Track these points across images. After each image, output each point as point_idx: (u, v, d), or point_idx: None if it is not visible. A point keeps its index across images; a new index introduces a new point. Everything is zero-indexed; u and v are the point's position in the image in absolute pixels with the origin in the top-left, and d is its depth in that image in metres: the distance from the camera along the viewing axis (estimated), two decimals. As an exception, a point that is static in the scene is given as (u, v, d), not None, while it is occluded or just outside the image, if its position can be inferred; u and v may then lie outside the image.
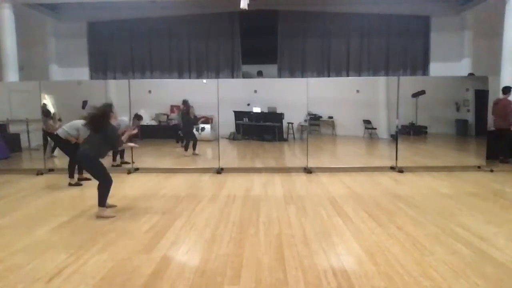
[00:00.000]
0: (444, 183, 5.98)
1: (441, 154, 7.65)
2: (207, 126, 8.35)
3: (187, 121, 7.76)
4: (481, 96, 7.47)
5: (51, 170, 7.36)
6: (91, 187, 5.99)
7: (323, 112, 7.85)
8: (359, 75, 11.19)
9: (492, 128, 7.79)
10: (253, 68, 12.43)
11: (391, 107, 7.41)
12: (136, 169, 7.37)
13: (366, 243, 3.36)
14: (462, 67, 10.73)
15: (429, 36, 11.10)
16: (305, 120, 7.54)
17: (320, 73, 11.37)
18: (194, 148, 7.89)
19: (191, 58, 11.62)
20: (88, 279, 2.71)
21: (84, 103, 6.83)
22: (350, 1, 10.61)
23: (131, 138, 5.64)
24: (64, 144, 6.08)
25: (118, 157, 7.52)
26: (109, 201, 5.02)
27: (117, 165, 7.43)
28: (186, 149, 7.86)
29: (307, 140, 7.43)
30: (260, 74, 11.77)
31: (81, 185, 6.10)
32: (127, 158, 7.52)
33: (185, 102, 8.03)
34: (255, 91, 7.88)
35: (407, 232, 3.64)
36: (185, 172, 7.06)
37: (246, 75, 12.06)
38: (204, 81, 10.17)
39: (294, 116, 7.86)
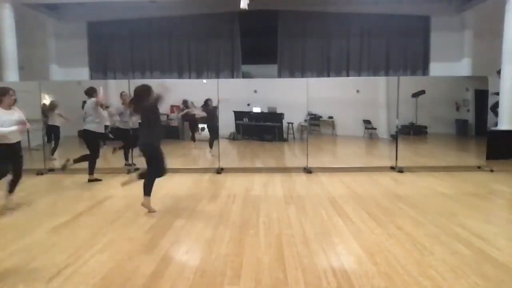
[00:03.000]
0: (444, 183, 5.98)
1: (441, 154, 7.66)
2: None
3: (212, 117, 7.70)
4: (481, 96, 7.48)
5: (51, 170, 7.36)
6: (91, 187, 6.00)
7: (323, 112, 7.85)
8: (359, 75, 11.19)
9: None
10: (253, 68, 12.43)
11: (391, 107, 7.42)
12: (136, 169, 7.36)
13: (366, 243, 3.36)
14: (462, 67, 10.73)
15: (429, 36, 11.10)
16: (305, 120, 7.54)
17: (320, 73, 11.37)
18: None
19: (191, 58, 11.61)
20: (88, 279, 2.71)
21: (84, 103, 6.82)
22: (350, 1, 10.60)
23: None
24: (92, 139, 6.18)
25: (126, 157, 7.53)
26: (107, 202, 5.04)
27: (128, 165, 7.42)
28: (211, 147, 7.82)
29: (307, 140, 7.43)
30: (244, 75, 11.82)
31: (100, 180, 6.32)
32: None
33: (185, 102, 8.04)
34: (255, 91, 7.88)
35: (407, 232, 3.64)
36: (185, 172, 7.05)
37: (246, 75, 12.06)
38: (204, 81, 10.18)
39: (294, 116, 7.86)
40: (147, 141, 4.36)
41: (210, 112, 7.59)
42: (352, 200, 4.95)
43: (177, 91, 8.09)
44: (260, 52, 11.90)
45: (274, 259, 3.02)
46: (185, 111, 8.07)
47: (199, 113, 7.91)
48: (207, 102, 7.57)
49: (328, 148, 8.34)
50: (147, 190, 4.41)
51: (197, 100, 7.95)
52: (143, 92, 4.33)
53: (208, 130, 7.85)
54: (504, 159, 7.76)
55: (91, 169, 6.28)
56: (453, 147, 7.84)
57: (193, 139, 8.32)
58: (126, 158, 7.48)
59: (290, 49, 11.44)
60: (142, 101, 4.28)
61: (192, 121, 8.18)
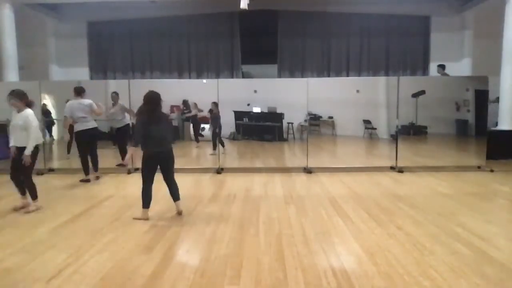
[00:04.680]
0: (444, 183, 5.98)
1: (441, 154, 7.65)
2: (207, 126, 8.36)
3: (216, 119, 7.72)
4: (481, 96, 7.48)
5: (51, 170, 7.37)
6: (91, 187, 6.00)
7: (323, 112, 7.85)
8: (359, 75, 11.19)
9: None
10: (253, 68, 12.42)
11: (391, 107, 7.41)
12: (136, 169, 7.36)
13: (366, 243, 3.36)
14: (462, 67, 10.73)
15: (429, 36, 11.09)
16: (305, 120, 7.54)
17: (320, 73, 11.36)
18: (222, 145, 7.85)
19: (191, 58, 11.61)
20: (88, 279, 2.71)
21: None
22: (350, 1, 10.60)
23: None
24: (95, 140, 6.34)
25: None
26: (107, 202, 5.04)
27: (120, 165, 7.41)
28: (223, 146, 7.82)
29: (307, 140, 7.43)
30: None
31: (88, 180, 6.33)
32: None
33: (185, 102, 8.04)
34: (255, 91, 7.88)
35: (407, 232, 3.64)
36: (185, 172, 7.05)
37: (246, 75, 12.05)
38: (204, 81, 10.17)
39: (294, 116, 7.85)
40: (171, 147, 4.30)
41: (215, 115, 7.62)
42: (352, 200, 4.95)
43: (177, 91, 8.09)
44: (260, 52, 11.90)
45: (274, 259, 3.02)
46: (192, 113, 8.09)
47: (199, 113, 7.95)
48: (214, 105, 7.57)
49: (328, 148, 8.33)
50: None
51: (197, 101, 7.96)
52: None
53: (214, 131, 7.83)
54: (504, 159, 7.76)
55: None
56: (453, 147, 7.84)
57: (196, 139, 8.32)
58: (123, 158, 7.46)
59: (290, 49, 11.43)
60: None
61: (196, 122, 8.21)
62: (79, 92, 6.25)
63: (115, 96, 7.34)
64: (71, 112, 6.14)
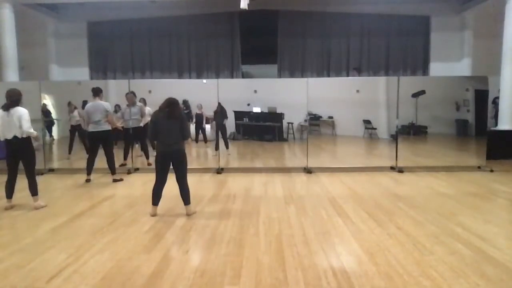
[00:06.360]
0: (444, 183, 5.98)
1: (441, 154, 7.65)
2: (207, 126, 8.36)
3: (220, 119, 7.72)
4: (481, 96, 7.47)
5: (51, 170, 7.36)
6: (91, 187, 5.99)
7: (323, 112, 7.84)
8: (359, 75, 11.19)
9: None
10: (253, 68, 12.42)
11: (391, 107, 7.41)
12: (136, 169, 7.37)
13: (366, 243, 3.36)
14: (462, 67, 10.73)
15: (429, 36, 11.11)
16: (305, 120, 7.54)
17: (320, 73, 11.37)
18: (226, 146, 7.85)
19: (191, 58, 11.62)
20: (88, 279, 2.71)
21: (84, 103, 6.84)
22: (350, 1, 10.61)
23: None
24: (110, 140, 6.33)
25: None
26: (107, 202, 5.04)
27: (124, 165, 7.41)
28: (227, 147, 7.82)
29: (307, 140, 7.43)
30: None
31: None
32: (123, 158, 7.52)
33: (185, 102, 8.03)
34: (255, 91, 7.88)
35: (407, 232, 3.64)
36: (185, 172, 7.04)
37: (246, 75, 12.05)
38: (204, 81, 10.17)
39: (294, 116, 7.85)
40: (181, 148, 4.29)
41: (218, 114, 7.62)
42: (352, 200, 4.95)
43: (177, 91, 8.09)
44: (260, 52, 11.90)
45: (274, 259, 3.02)
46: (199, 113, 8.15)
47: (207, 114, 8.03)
48: (219, 106, 7.57)
49: (328, 148, 8.33)
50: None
51: (197, 101, 7.97)
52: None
53: (221, 131, 7.77)
54: (504, 159, 7.77)
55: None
56: (453, 147, 7.84)
57: (197, 140, 8.32)
58: (125, 158, 7.46)
59: (290, 49, 11.44)
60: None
61: (200, 123, 8.22)
62: (95, 93, 6.24)
63: (131, 96, 7.26)
64: (88, 117, 6.15)
